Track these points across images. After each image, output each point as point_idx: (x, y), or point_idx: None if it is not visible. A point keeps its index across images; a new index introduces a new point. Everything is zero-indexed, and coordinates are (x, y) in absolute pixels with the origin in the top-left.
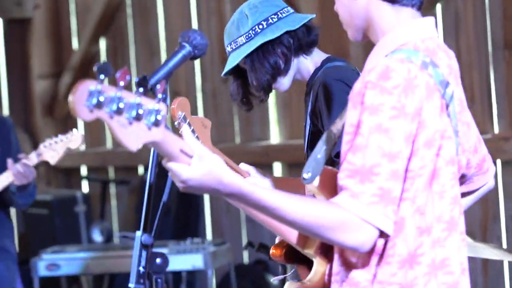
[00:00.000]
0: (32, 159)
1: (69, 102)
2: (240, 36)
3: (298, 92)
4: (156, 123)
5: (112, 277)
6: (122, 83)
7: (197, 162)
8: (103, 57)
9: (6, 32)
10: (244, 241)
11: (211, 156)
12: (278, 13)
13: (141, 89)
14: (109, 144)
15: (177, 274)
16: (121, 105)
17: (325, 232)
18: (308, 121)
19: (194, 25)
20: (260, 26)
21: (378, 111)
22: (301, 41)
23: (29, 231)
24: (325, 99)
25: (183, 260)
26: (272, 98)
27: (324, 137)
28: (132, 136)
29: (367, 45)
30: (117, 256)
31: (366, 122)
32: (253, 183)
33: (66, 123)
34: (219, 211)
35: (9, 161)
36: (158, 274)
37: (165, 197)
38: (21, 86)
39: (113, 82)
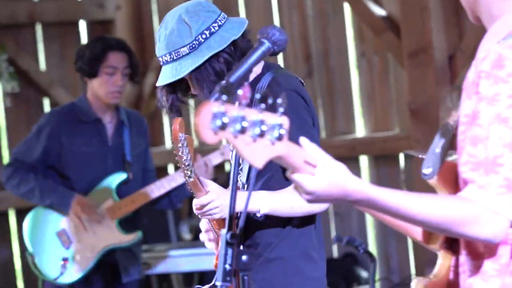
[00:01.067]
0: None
1: (194, 125)
2: (184, 46)
3: (381, 83)
4: (280, 138)
5: (201, 274)
6: (244, 101)
7: (321, 172)
8: None
9: (89, 34)
10: (333, 235)
11: (334, 164)
12: (217, 20)
13: (262, 105)
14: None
15: None
16: (245, 124)
17: (458, 227)
18: None
19: (276, 21)
20: (204, 36)
21: (495, 101)
22: (242, 48)
23: None
24: (296, 106)
25: None
26: (356, 91)
27: (441, 130)
28: (257, 153)
29: (449, 35)
30: (207, 253)
31: (484, 112)
32: (380, 188)
33: (152, 122)
34: None
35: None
36: (245, 271)
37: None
38: None
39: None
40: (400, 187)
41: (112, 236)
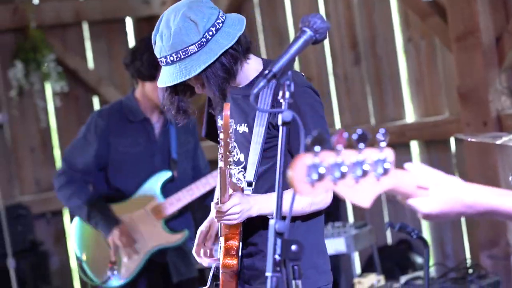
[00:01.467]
0: None
1: (288, 178)
2: (192, 45)
3: (429, 68)
4: (385, 173)
5: None
6: (340, 147)
7: (434, 193)
8: None
9: (135, 30)
10: (386, 221)
11: (447, 181)
12: (219, 16)
13: (361, 145)
14: None
15: None
16: (344, 169)
17: None
18: (265, 123)
19: (321, 9)
20: (210, 33)
21: None
22: (244, 43)
23: None
24: (312, 101)
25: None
26: (404, 77)
27: None
28: (362, 193)
29: (496, 18)
30: None
31: None
32: (500, 193)
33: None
34: None
35: None
36: (294, 261)
37: None
38: None
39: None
40: (452, 171)
41: (159, 237)
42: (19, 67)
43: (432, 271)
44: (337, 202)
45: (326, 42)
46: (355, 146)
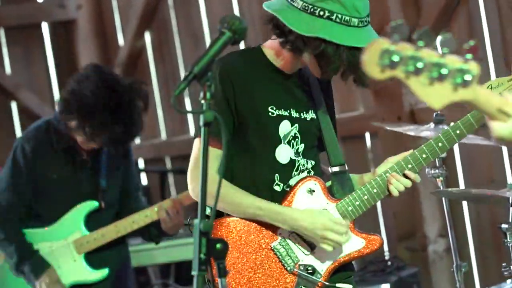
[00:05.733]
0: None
1: (362, 61)
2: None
3: None
4: (464, 84)
5: (178, 265)
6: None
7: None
8: (149, 50)
9: (52, 35)
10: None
11: None
12: None
13: (445, 49)
14: (163, 135)
15: None
16: (420, 65)
17: None
18: (324, 107)
19: (236, 10)
20: None
21: None
22: None
23: None
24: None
25: None
26: None
27: None
28: (434, 95)
29: (408, 14)
30: (182, 244)
31: None
32: None
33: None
34: None
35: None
36: (220, 259)
37: None
38: None
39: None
40: (368, 165)
41: (78, 272)
42: None
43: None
44: None
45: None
46: (439, 49)
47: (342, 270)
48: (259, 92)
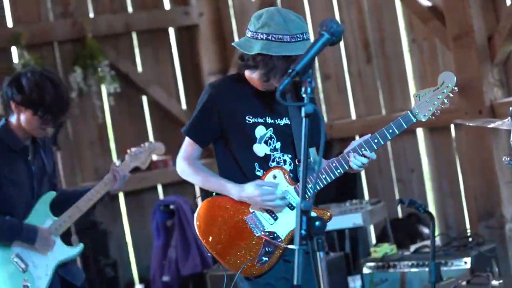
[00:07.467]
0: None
1: None
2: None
3: (431, 65)
4: None
5: None
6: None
7: None
8: None
9: (177, 38)
10: (397, 198)
11: None
12: None
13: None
14: None
15: (341, 232)
16: None
17: None
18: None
19: (336, 15)
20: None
21: None
22: None
23: None
24: None
25: (345, 219)
26: (410, 73)
27: None
28: None
29: (488, 20)
30: None
31: None
32: None
33: None
34: (373, 174)
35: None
36: (318, 235)
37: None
38: (194, 83)
39: None
40: (453, 154)
41: (61, 252)
42: (78, 72)
43: (437, 240)
44: (355, 182)
45: (342, 44)
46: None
47: None
48: (239, 106)
